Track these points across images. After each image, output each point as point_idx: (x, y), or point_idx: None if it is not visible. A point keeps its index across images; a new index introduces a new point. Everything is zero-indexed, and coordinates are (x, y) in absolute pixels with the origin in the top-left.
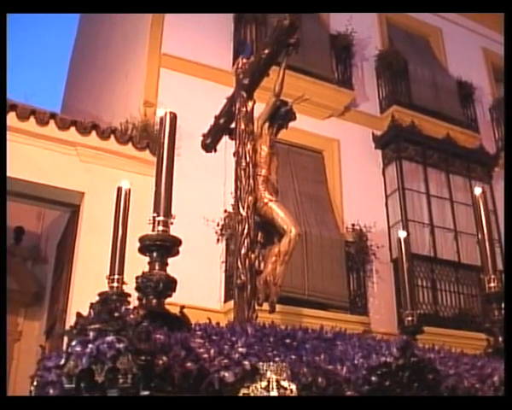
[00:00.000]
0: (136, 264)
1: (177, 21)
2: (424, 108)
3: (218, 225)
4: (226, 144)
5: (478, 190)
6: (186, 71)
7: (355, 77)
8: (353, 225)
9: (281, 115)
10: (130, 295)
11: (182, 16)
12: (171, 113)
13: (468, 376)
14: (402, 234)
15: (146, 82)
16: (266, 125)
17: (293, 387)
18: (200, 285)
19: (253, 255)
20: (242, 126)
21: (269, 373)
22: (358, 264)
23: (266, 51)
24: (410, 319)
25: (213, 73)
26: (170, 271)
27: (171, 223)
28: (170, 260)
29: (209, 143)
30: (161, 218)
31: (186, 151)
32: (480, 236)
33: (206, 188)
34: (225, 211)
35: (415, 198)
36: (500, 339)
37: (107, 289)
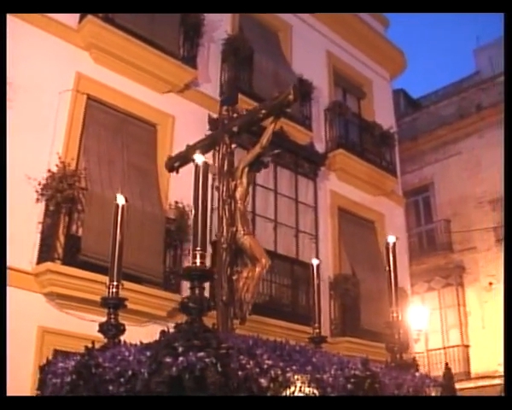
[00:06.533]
0: None
1: None
2: (263, 98)
3: (39, 184)
4: (58, 109)
5: (392, 239)
6: (28, 20)
7: (200, 57)
8: (176, 202)
9: (258, 163)
10: (127, 299)
11: None
12: (204, 162)
13: (392, 383)
14: (315, 261)
15: None
16: (246, 169)
17: (316, 392)
18: (12, 244)
19: (234, 277)
20: (226, 167)
21: (299, 383)
22: (177, 241)
23: (263, 112)
24: (317, 331)
25: (57, 27)
26: None
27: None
28: None
29: (175, 166)
30: (200, 252)
31: (19, 104)
32: (387, 274)
33: (33, 145)
34: (49, 171)
35: None
36: (398, 356)
37: None
